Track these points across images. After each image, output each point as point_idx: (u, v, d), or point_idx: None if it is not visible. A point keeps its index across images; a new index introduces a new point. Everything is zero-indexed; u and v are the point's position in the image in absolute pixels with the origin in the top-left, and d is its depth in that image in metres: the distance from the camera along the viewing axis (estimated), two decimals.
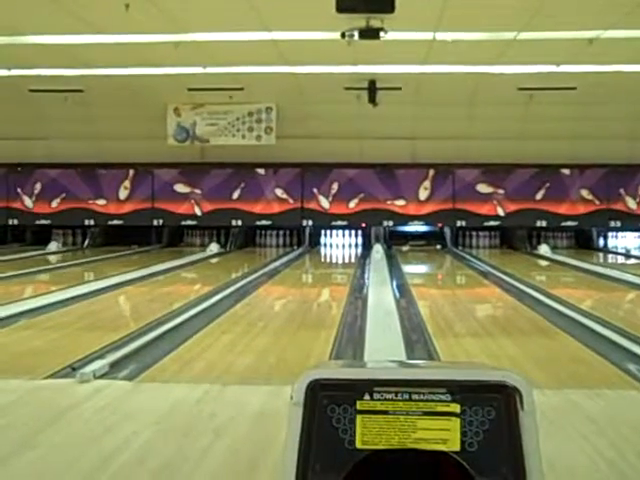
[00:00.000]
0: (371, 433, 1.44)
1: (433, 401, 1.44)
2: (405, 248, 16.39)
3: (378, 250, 14.98)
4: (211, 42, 10.93)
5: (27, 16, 9.63)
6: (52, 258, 14.24)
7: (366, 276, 11.22)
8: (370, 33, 9.10)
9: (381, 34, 9.07)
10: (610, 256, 15.69)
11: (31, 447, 2.98)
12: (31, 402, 3.73)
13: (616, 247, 16.49)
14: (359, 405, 1.45)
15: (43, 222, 16.26)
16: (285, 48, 11.21)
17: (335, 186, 16.08)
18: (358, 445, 1.43)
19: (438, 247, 16.59)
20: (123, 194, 16.20)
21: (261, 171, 16.14)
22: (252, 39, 10.64)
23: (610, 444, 2.95)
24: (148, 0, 8.85)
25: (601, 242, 16.56)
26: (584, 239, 16.41)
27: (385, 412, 1.44)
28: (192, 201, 16.21)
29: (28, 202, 16.22)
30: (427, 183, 16.05)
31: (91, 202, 16.16)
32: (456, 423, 1.42)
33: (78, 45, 11.05)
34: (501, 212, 16.00)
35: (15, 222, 16.22)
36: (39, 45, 11.07)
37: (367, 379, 1.47)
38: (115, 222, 16.16)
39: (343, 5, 7.91)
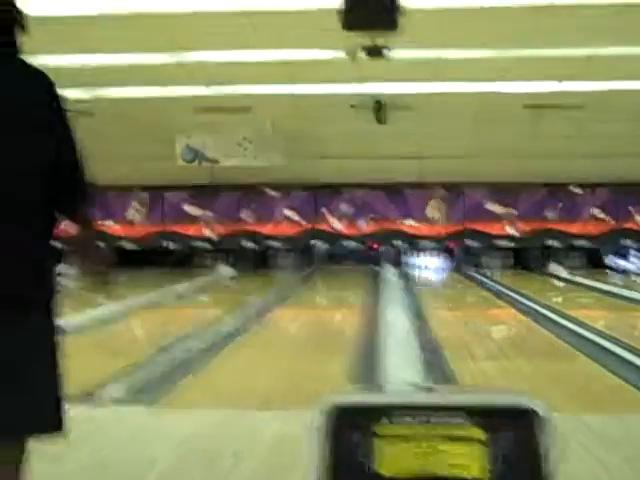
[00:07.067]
0: (390, 458, 1.43)
1: (453, 426, 1.42)
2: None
3: (391, 271, 14.95)
4: (217, 62, 10.96)
5: (35, 38, 9.68)
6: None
7: (379, 297, 11.18)
8: (375, 51, 9.11)
9: (385, 52, 9.09)
10: (624, 275, 15.58)
11: (52, 474, 2.96)
12: None
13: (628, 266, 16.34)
14: (378, 430, 1.44)
15: None
16: (291, 68, 11.25)
17: (345, 206, 16.07)
18: (377, 469, 1.42)
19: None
20: (132, 216, 16.24)
21: (271, 192, 16.15)
22: (259, 59, 10.67)
23: (629, 467, 2.92)
24: (151, 20, 8.93)
25: (613, 261, 16.42)
26: (596, 258, 16.29)
27: (404, 437, 1.43)
28: (202, 223, 16.22)
29: None
30: (436, 202, 16.02)
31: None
32: (477, 448, 1.41)
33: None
34: (512, 232, 15.92)
35: None
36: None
37: (386, 404, 1.46)
38: (125, 244, 16.07)
39: (349, 23, 7.91)
